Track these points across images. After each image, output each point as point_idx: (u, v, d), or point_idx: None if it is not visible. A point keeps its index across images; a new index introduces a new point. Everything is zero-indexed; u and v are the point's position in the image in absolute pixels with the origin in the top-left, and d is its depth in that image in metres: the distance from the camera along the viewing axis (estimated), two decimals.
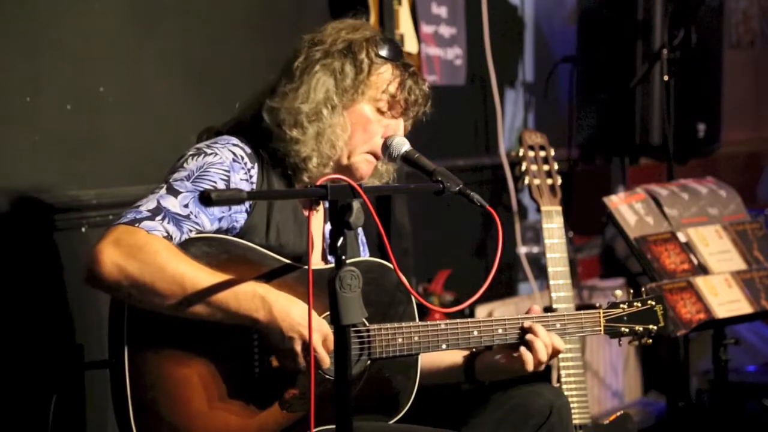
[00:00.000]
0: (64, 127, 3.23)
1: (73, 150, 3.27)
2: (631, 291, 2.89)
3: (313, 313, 2.43)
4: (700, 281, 3.70)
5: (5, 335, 3.03)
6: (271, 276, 2.54)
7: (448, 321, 2.66)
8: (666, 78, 4.73)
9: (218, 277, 2.42)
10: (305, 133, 2.61)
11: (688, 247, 3.78)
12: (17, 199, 3.08)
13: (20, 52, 3.11)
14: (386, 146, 2.66)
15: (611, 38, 5.05)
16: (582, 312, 2.82)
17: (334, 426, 2.32)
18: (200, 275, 2.41)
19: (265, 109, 2.63)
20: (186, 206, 2.49)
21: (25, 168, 3.14)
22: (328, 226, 2.78)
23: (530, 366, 2.70)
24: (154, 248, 2.40)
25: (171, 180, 2.53)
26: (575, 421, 3.41)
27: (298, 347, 2.45)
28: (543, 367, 2.72)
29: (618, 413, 3.44)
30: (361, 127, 2.65)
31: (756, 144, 6.87)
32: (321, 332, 2.46)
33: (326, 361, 2.47)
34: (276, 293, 2.45)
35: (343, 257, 2.23)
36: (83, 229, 3.23)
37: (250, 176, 2.60)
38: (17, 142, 3.12)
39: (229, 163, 2.57)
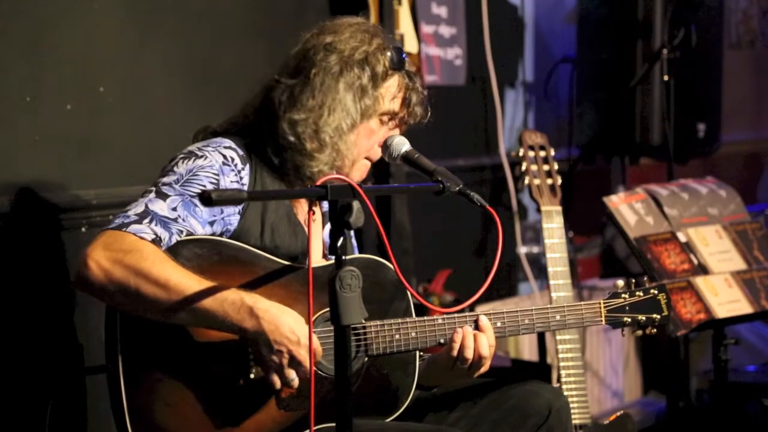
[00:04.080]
0: (64, 127, 3.24)
1: (73, 150, 3.27)
2: (633, 281, 2.87)
3: (303, 326, 2.43)
4: (700, 281, 3.70)
5: (5, 335, 3.03)
6: (265, 276, 2.54)
7: (445, 316, 2.65)
8: (666, 78, 4.73)
9: (205, 284, 2.40)
10: (323, 150, 2.61)
11: (688, 247, 3.78)
12: (17, 199, 3.08)
13: (20, 52, 3.12)
14: (386, 146, 2.66)
15: (611, 38, 5.05)
16: (582, 303, 2.81)
17: (331, 424, 2.32)
18: (186, 282, 2.39)
19: (285, 119, 2.62)
20: (174, 209, 2.49)
21: (25, 168, 3.14)
22: (326, 230, 2.78)
23: (454, 352, 2.64)
24: (140, 253, 2.39)
25: (160, 184, 2.53)
26: (575, 421, 3.41)
27: (285, 361, 2.44)
28: (471, 366, 2.65)
29: (618, 413, 3.44)
30: (366, 139, 2.66)
31: (756, 144, 6.87)
32: (308, 346, 2.43)
33: (313, 368, 2.45)
34: (265, 303, 2.43)
35: (344, 257, 2.23)
36: (83, 229, 3.23)
37: (241, 178, 2.59)
38: (17, 142, 3.12)
39: (219, 166, 2.57)
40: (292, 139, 2.62)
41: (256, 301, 2.42)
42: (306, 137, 2.61)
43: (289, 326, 2.42)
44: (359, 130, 2.65)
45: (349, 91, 2.62)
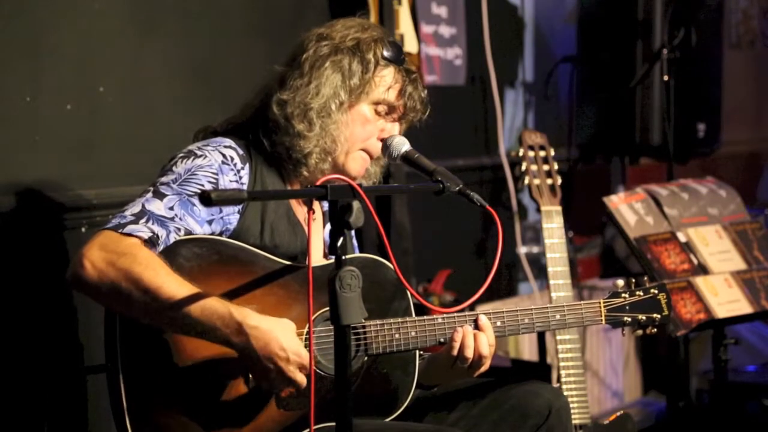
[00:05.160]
0: (64, 127, 3.24)
1: (73, 150, 3.27)
2: (633, 280, 2.87)
3: (294, 341, 2.42)
4: (700, 281, 3.70)
5: (6, 334, 3.04)
6: (264, 276, 2.54)
7: (444, 315, 2.65)
8: (666, 78, 4.73)
9: (197, 294, 2.38)
10: (312, 129, 2.62)
11: (688, 247, 3.78)
12: (18, 199, 3.08)
13: (20, 52, 3.12)
14: (386, 146, 2.66)
15: (611, 38, 5.06)
16: (582, 302, 2.80)
17: (331, 423, 2.32)
18: (177, 290, 2.38)
19: (274, 100, 2.64)
20: (171, 209, 2.49)
21: (25, 168, 3.14)
22: (327, 230, 2.78)
23: (454, 351, 2.64)
24: (133, 257, 2.38)
25: (158, 183, 2.53)
26: (575, 421, 3.41)
27: (273, 377, 2.43)
28: (471, 365, 2.65)
29: (618, 413, 3.44)
30: (360, 125, 2.66)
31: (756, 144, 6.86)
32: (298, 362, 2.42)
33: (303, 383, 2.45)
34: (255, 319, 2.40)
35: (344, 257, 2.23)
36: (83, 229, 3.23)
37: (240, 177, 2.60)
38: (17, 142, 3.12)
39: (218, 165, 2.57)
40: (281, 120, 2.63)
41: (245, 316, 2.40)
42: (295, 117, 2.61)
43: (279, 343, 2.40)
44: (351, 115, 2.65)
45: (337, 71, 2.62)
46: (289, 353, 2.41)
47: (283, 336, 2.41)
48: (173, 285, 2.39)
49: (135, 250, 2.40)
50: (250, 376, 2.49)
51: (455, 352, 2.63)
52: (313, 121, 2.61)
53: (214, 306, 2.39)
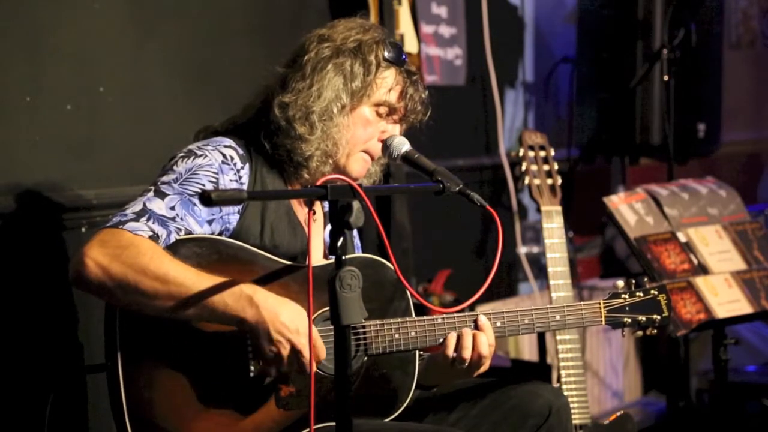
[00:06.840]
0: (64, 127, 3.24)
1: (73, 150, 3.27)
2: (633, 281, 2.87)
3: (303, 317, 2.43)
4: (700, 281, 3.70)
5: (7, 333, 3.04)
6: (264, 276, 2.54)
7: (444, 315, 2.65)
8: (666, 78, 4.73)
9: (204, 276, 2.41)
10: (313, 132, 2.62)
11: (688, 247, 3.78)
12: (18, 199, 3.08)
13: (20, 52, 3.12)
14: (386, 146, 2.66)
15: (611, 38, 5.06)
16: (582, 303, 2.80)
17: (330, 423, 2.32)
18: (185, 275, 2.40)
19: (276, 103, 2.64)
20: (172, 208, 2.49)
21: (25, 168, 3.14)
22: (327, 231, 2.78)
23: (450, 351, 2.63)
24: (137, 249, 2.40)
25: (159, 183, 2.54)
26: (575, 421, 3.41)
27: (285, 351, 2.44)
28: (471, 365, 2.66)
29: (618, 413, 3.44)
30: (361, 127, 2.66)
31: (756, 144, 6.87)
32: (307, 335, 2.44)
33: (313, 365, 2.46)
34: (265, 293, 2.44)
35: (344, 257, 2.23)
36: (83, 229, 3.23)
37: (240, 177, 2.60)
38: (17, 142, 3.12)
39: (218, 165, 2.57)
40: (283, 123, 2.63)
41: (255, 291, 2.43)
42: (296, 120, 2.62)
43: (288, 316, 2.43)
44: (353, 117, 2.65)
45: (339, 73, 2.62)
46: (298, 325, 2.43)
47: (291, 311, 2.44)
48: (181, 270, 2.40)
49: (137, 242, 2.41)
50: (252, 370, 2.49)
51: (450, 351, 2.63)
52: (315, 124, 2.62)
53: (223, 284, 2.41)
